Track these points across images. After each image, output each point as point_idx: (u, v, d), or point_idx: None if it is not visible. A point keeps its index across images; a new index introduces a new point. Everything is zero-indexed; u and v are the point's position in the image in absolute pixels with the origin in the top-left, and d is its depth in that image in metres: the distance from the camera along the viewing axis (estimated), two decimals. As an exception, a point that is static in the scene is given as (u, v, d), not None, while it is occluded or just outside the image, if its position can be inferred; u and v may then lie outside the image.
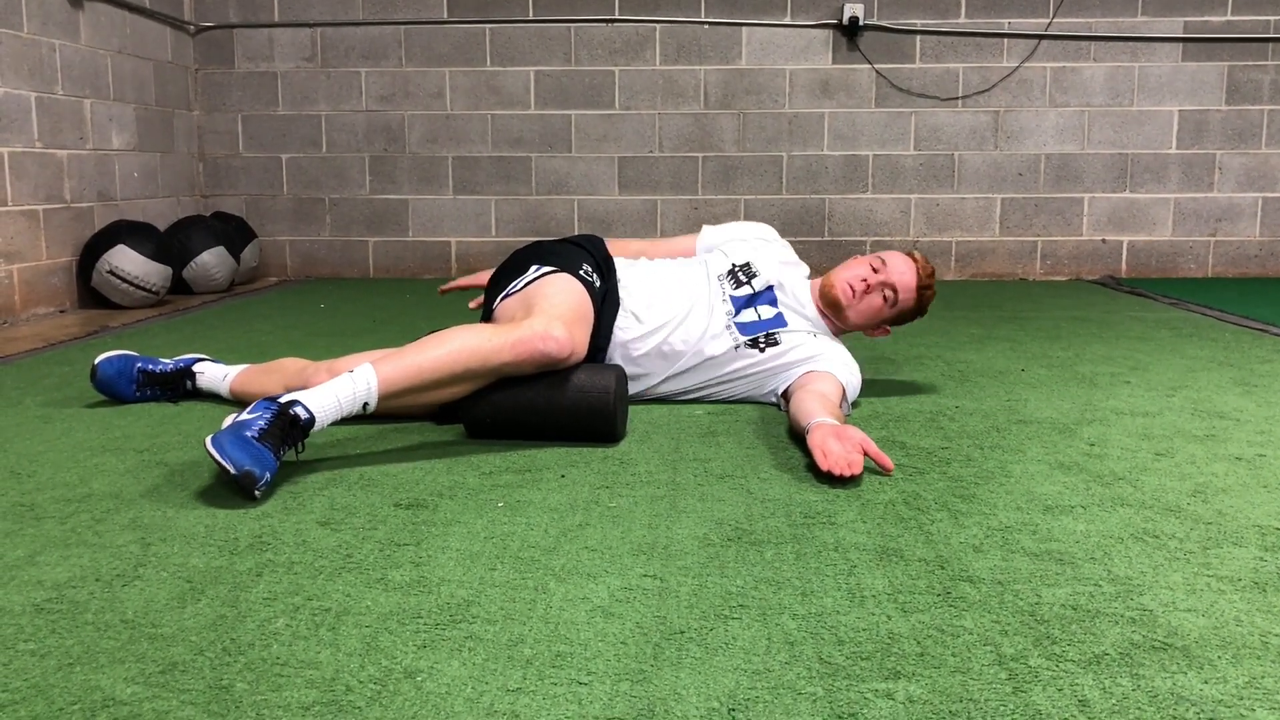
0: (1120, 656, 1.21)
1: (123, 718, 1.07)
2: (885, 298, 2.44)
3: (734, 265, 2.49)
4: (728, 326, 2.41)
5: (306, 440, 1.90)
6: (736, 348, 2.41)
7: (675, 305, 2.41)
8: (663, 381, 2.46)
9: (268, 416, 1.83)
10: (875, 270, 2.44)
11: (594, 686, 1.14)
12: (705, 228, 2.72)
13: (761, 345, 2.41)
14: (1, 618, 1.31)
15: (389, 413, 2.20)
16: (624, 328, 2.40)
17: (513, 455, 2.07)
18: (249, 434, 1.79)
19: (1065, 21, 5.27)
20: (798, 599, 1.37)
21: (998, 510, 1.73)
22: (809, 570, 1.47)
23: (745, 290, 2.45)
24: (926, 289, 2.48)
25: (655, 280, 2.47)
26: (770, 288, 2.47)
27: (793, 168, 5.41)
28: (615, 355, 2.41)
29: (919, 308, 2.51)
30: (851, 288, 2.43)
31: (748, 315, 2.43)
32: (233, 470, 1.73)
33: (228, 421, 1.90)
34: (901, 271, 2.45)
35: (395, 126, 5.45)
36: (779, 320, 2.44)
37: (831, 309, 2.47)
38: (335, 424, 1.97)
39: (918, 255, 2.51)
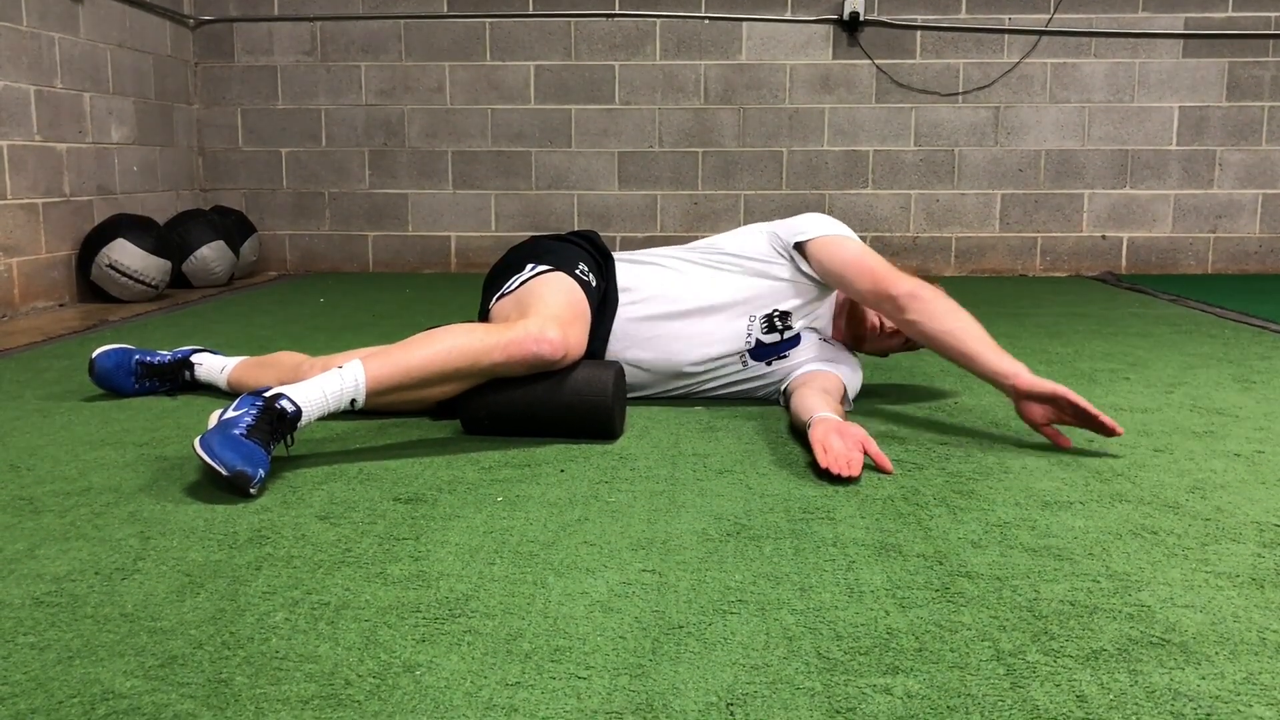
0: (1118, 652, 1.21)
1: (122, 711, 1.08)
2: (905, 339, 2.45)
3: (776, 310, 2.36)
4: (741, 358, 2.40)
5: (295, 434, 1.89)
6: (744, 365, 2.41)
7: (688, 328, 2.37)
8: (661, 393, 2.47)
9: (254, 412, 1.82)
10: None
11: (593, 681, 1.14)
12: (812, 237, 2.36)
13: (769, 361, 2.41)
14: (1, 611, 1.31)
15: (381, 409, 2.20)
16: (621, 340, 2.38)
17: (512, 450, 2.07)
18: (237, 431, 1.77)
19: (1066, 17, 5.26)
20: (796, 594, 1.37)
21: (996, 506, 1.73)
22: (807, 565, 1.47)
23: (774, 337, 2.38)
24: None
25: (674, 298, 2.37)
26: (798, 334, 2.41)
27: (793, 163, 5.41)
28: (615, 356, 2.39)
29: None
30: (881, 324, 2.42)
31: (763, 349, 2.41)
32: (224, 472, 1.72)
33: (213, 419, 1.89)
34: None
35: (395, 121, 5.44)
36: (794, 340, 2.41)
37: (853, 328, 2.45)
38: (323, 419, 1.96)
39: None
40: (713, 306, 2.35)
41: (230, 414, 1.83)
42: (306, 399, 1.87)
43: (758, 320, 2.36)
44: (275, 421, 1.83)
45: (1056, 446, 2.08)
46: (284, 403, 1.85)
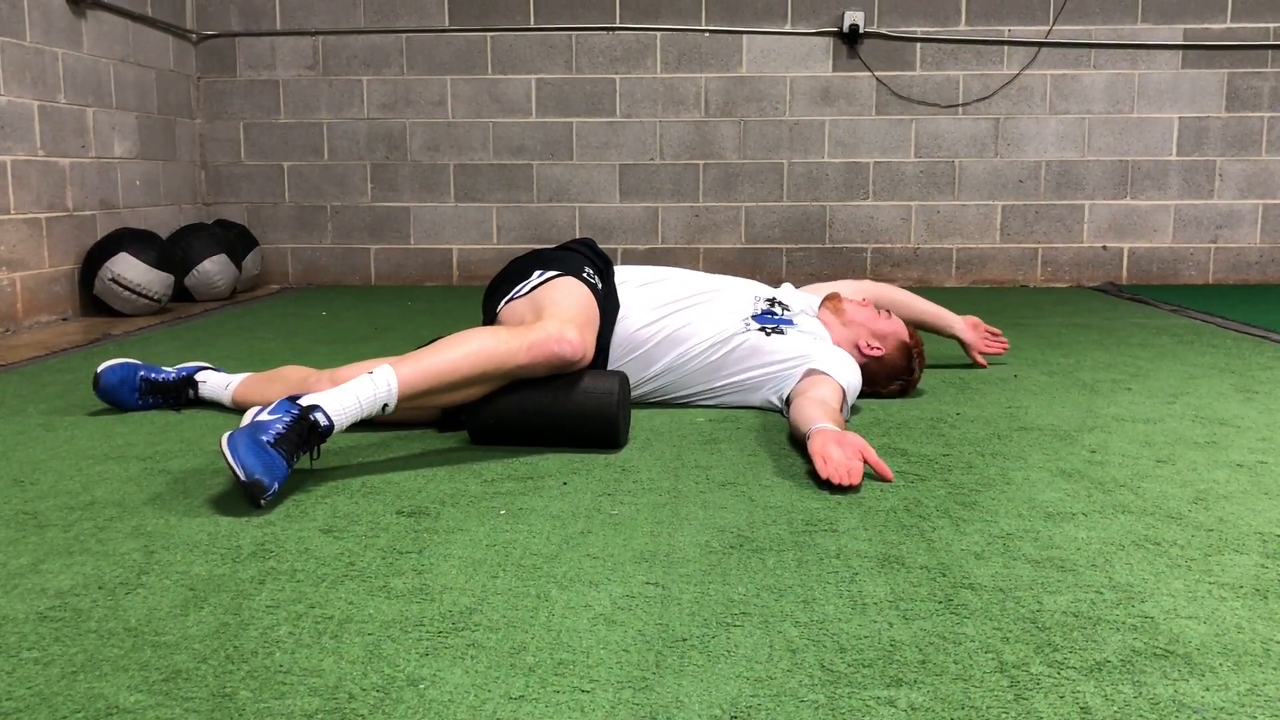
0: (1122, 664, 1.21)
1: (126, 726, 1.08)
2: (879, 311, 2.66)
3: (775, 298, 2.64)
4: (746, 321, 2.50)
5: (322, 445, 1.89)
6: (746, 328, 2.47)
7: (694, 302, 2.53)
8: (665, 370, 2.47)
9: (287, 420, 1.82)
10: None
11: (596, 694, 1.14)
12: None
13: (767, 331, 2.48)
14: (5, 625, 1.32)
15: (398, 417, 2.20)
16: (633, 313, 2.46)
17: (515, 463, 2.07)
18: (265, 438, 1.78)
19: (1065, 29, 5.28)
20: (800, 606, 1.37)
21: (999, 517, 1.73)
22: (811, 577, 1.47)
23: (777, 313, 2.58)
24: (916, 352, 2.65)
25: (680, 280, 2.57)
26: (795, 321, 2.60)
27: (793, 175, 5.42)
28: (623, 335, 2.43)
29: (907, 364, 2.65)
30: (853, 299, 2.71)
31: (767, 315, 2.59)
32: (242, 476, 1.72)
33: (247, 418, 1.89)
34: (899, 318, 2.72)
35: (397, 134, 5.46)
36: (788, 321, 2.55)
37: (831, 300, 2.68)
38: (351, 428, 1.96)
39: (918, 337, 2.71)
40: (718, 287, 2.58)
41: (264, 417, 1.84)
42: (340, 409, 1.88)
43: (761, 299, 2.60)
44: (306, 434, 1.83)
45: (977, 365, 3.05)
46: (318, 415, 1.85)
